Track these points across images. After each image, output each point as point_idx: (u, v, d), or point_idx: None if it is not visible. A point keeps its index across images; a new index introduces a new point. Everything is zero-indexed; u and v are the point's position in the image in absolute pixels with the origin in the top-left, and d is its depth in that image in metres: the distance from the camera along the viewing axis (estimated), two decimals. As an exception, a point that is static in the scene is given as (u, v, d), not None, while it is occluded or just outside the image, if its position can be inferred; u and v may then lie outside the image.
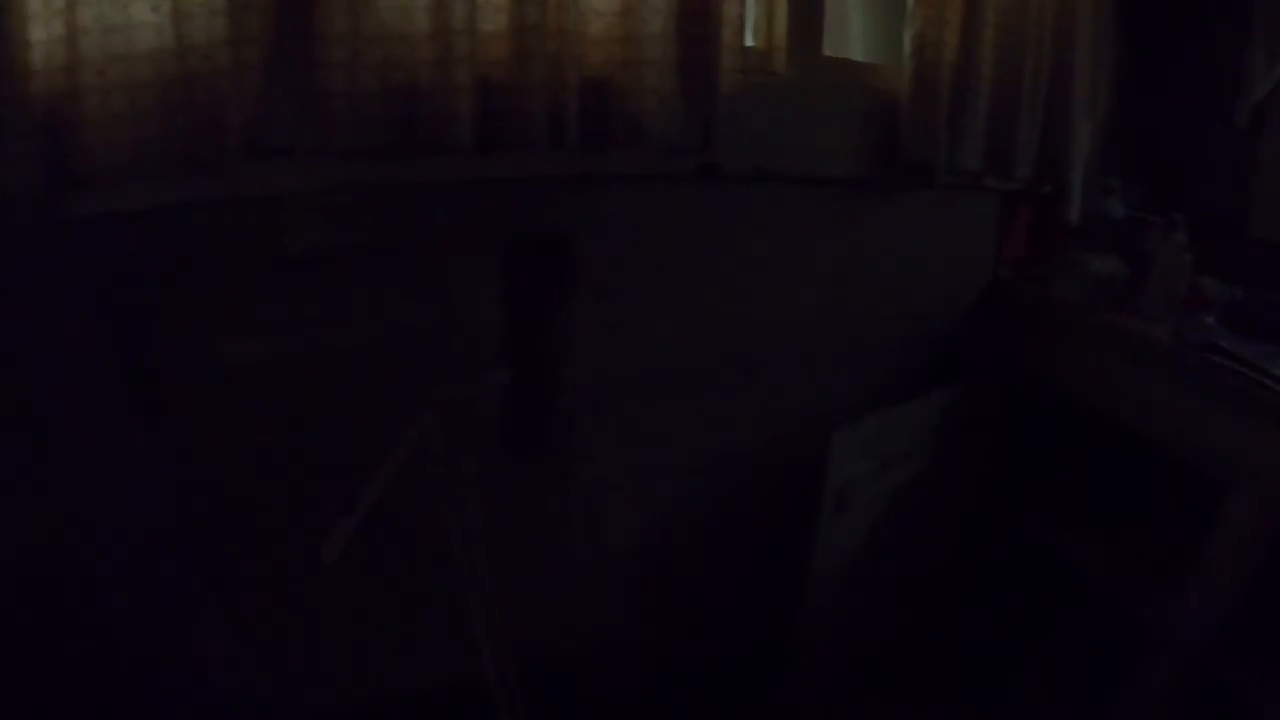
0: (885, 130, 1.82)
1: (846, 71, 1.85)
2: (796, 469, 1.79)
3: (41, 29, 1.52)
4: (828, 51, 1.83)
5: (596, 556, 1.78)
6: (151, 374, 1.56)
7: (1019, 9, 1.93)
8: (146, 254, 1.53)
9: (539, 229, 1.60)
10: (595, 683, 1.82)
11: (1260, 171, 1.99)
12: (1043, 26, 1.96)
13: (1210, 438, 1.59)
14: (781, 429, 1.86)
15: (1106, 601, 1.77)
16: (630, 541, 1.81)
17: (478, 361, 1.60)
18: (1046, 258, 1.97)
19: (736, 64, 1.67)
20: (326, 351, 1.56)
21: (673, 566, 1.85)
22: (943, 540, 1.98)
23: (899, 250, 1.88)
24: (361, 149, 1.50)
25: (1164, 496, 1.85)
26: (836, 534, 1.78)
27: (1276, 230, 1.94)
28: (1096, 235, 1.96)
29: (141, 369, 1.55)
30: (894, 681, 1.95)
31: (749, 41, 1.78)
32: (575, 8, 1.56)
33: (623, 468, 1.74)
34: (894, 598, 1.95)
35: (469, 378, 1.59)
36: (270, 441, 1.58)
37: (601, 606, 1.81)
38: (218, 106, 1.49)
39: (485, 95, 1.53)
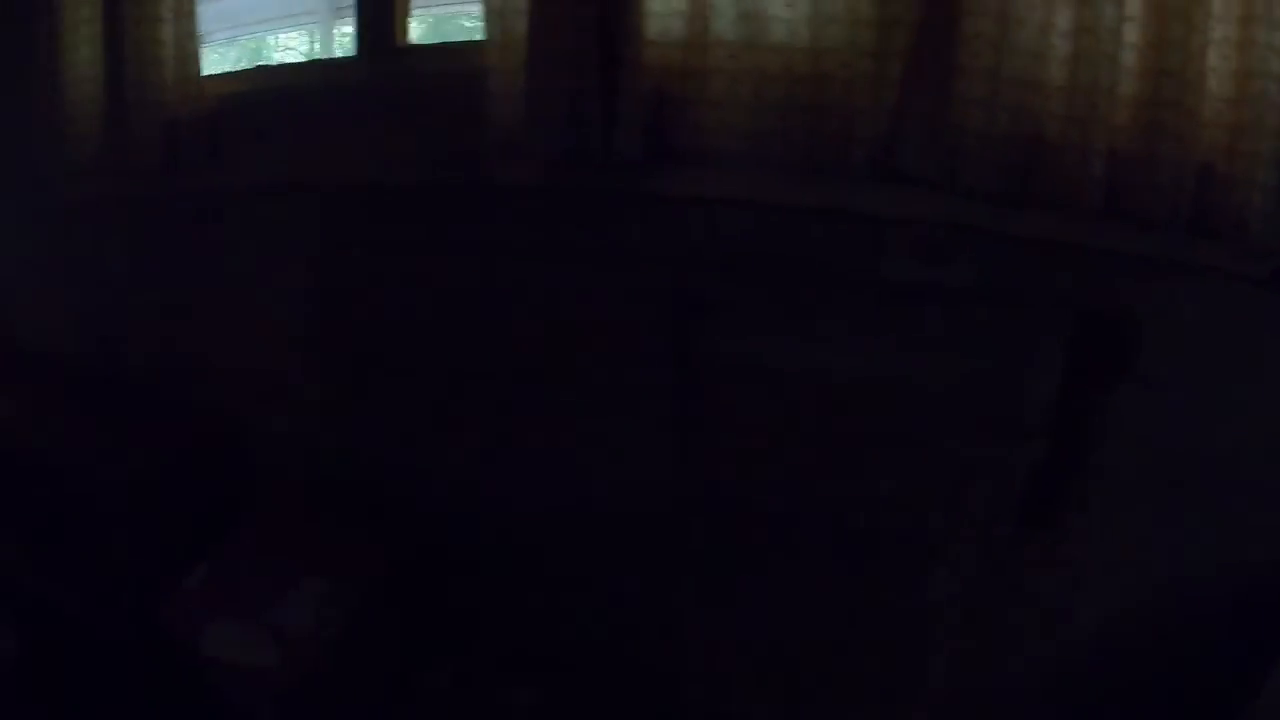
0: None
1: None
2: (1256, 599, 1.70)
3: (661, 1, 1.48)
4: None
5: (1051, 646, 1.70)
6: (696, 366, 1.51)
7: None
8: (725, 244, 1.49)
9: (1112, 306, 1.53)
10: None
11: None
12: None
13: None
14: (1255, 554, 1.77)
15: None
16: (1081, 638, 1.73)
17: (1019, 426, 1.53)
18: None
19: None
20: (879, 384, 1.51)
21: (1112, 672, 1.77)
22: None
23: None
24: (984, 190, 1.44)
25: None
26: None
27: None
28: None
29: (687, 359, 1.51)
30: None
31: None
32: (1200, 89, 1.49)
33: (1097, 561, 1.67)
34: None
35: (1008, 440, 1.52)
36: (795, 459, 1.53)
37: (1040, 696, 1.73)
38: (848, 115, 1.43)
39: (1109, 161, 1.46)
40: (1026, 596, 1.66)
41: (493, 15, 1.51)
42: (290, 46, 3.57)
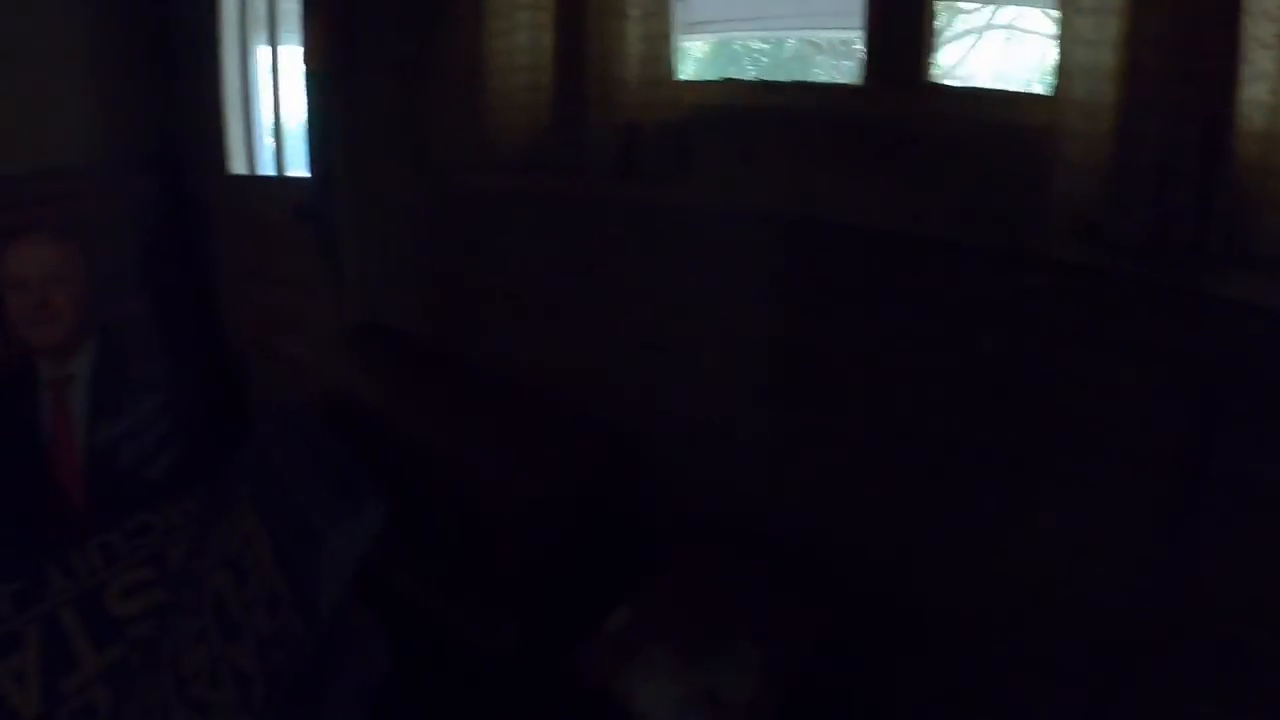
0: None
1: None
2: None
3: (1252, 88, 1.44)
4: None
5: None
6: (1205, 477, 1.47)
7: None
8: (1258, 355, 1.44)
9: None
10: None
11: None
12: None
13: None
14: None
15: None
16: None
17: None
18: None
19: None
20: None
21: None
22: None
23: None
24: None
25: None
26: None
27: None
28: None
29: (1199, 469, 1.47)
30: None
31: None
32: None
33: None
34: None
35: None
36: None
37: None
38: None
39: None
40: None
41: (1072, 75, 1.43)
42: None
